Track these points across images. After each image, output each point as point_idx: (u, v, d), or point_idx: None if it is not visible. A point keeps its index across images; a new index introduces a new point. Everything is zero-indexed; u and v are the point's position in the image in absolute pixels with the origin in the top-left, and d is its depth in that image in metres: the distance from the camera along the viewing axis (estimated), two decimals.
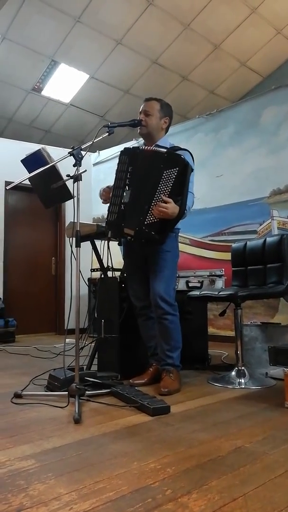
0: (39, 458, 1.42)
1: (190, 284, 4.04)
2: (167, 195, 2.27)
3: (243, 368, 2.57)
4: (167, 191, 2.28)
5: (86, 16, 5.10)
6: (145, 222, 2.30)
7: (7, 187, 2.41)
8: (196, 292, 2.90)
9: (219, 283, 3.96)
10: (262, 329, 2.89)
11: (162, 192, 2.28)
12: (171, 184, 2.27)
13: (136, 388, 2.27)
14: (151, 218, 2.29)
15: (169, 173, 2.28)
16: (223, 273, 4.11)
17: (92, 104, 6.52)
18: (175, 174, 2.27)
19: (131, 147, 2.50)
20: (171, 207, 2.24)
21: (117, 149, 5.70)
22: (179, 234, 2.69)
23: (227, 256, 3.63)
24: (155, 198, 2.29)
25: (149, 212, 2.29)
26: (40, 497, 1.15)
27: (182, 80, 6.28)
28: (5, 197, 5.59)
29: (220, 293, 2.67)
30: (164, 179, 2.28)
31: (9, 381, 2.71)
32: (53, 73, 5.90)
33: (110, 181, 2.53)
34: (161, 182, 2.29)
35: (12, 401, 2.15)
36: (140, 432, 1.68)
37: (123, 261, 3.18)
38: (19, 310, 5.45)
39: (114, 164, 2.52)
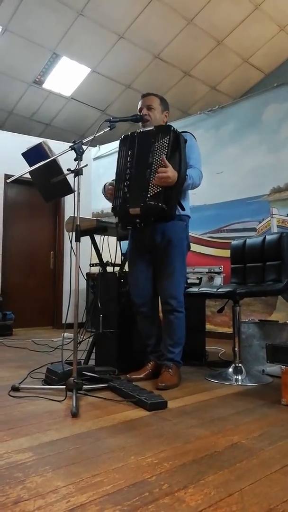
0: (36, 451, 1.43)
1: (189, 281, 4.04)
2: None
3: (240, 365, 2.58)
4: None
5: (89, 9, 5.06)
6: (148, 195, 2.30)
7: (8, 181, 2.40)
8: (194, 289, 2.91)
9: (218, 280, 3.98)
10: (260, 327, 2.90)
11: (158, 162, 2.30)
12: (165, 152, 2.30)
13: (133, 383, 2.28)
14: (154, 189, 2.30)
15: (161, 143, 2.32)
16: (222, 270, 4.12)
17: (93, 98, 6.49)
18: (167, 141, 2.31)
19: (129, 133, 2.51)
20: (171, 170, 2.25)
21: (117, 144, 5.61)
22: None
23: (226, 253, 3.64)
24: (152, 169, 2.31)
25: (150, 184, 2.30)
26: (37, 489, 1.15)
27: (184, 76, 6.25)
28: (5, 190, 5.57)
29: (218, 290, 2.68)
30: (158, 150, 2.32)
31: (6, 374, 2.71)
32: (55, 66, 5.86)
33: (110, 176, 2.54)
34: (155, 154, 2.32)
35: (10, 394, 2.16)
36: (137, 427, 1.69)
37: (122, 256, 3.18)
38: (17, 303, 5.46)
39: (114, 159, 2.53)
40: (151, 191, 2.29)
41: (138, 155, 2.41)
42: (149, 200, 2.29)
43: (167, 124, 2.55)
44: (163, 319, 2.52)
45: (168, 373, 2.39)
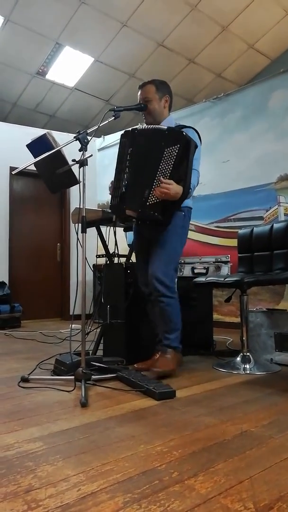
0: (46, 441, 1.44)
1: (196, 271, 4.03)
2: (168, 174, 2.22)
3: (248, 354, 2.58)
4: (168, 170, 2.23)
5: None
6: (147, 203, 2.27)
7: (13, 172, 2.39)
8: (201, 278, 2.90)
9: (225, 270, 3.95)
10: (268, 315, 2.88)
11: (163, 171, 2.24)
12: (172, 163, 2.22)
13: (141, 373, 2.28)
14: (153, 199, 2.26)
15: (170, 151, 2.23)
16: (229, 259, 4.09)
17: (97, 88, 6.43)
18: (176, 151, 2.21)
19: (130, 128, 2.45)
20: (173, 188, 2.20)
21: None
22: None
23: (233, 242, 3.62)
24: (156, 178, 2.25)
25: (151, 192, 2.26)
26: (48, 478, 1.16)
27: (188, 63, 6.17)
28: (10, 182, 5.57)
29: (226, 279, 2.67)
30: (166, 158, 2.24)
31: (15, 366, 2.73)
32: (58, 56, 5.81)
33: (115, 167, 2.50)
34: (162, 161, 2.25)
35: (19, 385, 2.18)
36: (146, 416, 1.70)
37: (128, 247, 3.18)
38: (25, 295, 5.49)
39: None
40: (151, 200, 2.25)
41: (143, 155, 2.32)
42: (147, 208, 2.26)
43: (180, 127, 2.43)
44: (154, 306, 2.46)
45: (164, 359, 2.38)
